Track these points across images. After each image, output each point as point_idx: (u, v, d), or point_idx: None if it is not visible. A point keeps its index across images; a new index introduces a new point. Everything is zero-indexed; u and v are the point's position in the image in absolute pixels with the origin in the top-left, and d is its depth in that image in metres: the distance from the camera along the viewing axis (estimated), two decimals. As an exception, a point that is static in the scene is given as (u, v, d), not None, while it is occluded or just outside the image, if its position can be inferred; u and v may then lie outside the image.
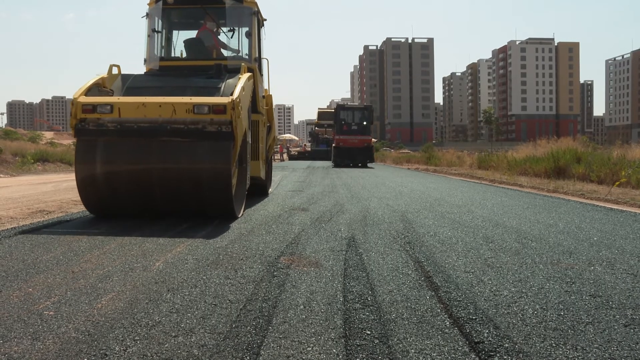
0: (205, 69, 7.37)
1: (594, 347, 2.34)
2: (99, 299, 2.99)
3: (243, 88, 6.31)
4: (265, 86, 9.45)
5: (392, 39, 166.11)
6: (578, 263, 4.03)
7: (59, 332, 2.47)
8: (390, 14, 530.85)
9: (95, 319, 2.64)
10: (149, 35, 7.98)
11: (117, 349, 2.27)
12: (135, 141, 5.81)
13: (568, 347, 2.32)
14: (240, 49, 8.48)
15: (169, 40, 8.49)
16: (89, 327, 2.52)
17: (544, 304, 2.96)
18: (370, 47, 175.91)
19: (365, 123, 29.36)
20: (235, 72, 7.06)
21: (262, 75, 8.90)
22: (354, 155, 28.49)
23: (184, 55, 8.39)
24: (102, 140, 5.83)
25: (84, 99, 5.91)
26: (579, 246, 4.72)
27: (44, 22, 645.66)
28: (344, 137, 28.73)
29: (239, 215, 6.35)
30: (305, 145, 48.29)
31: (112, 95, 6.43)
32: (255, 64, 8.17)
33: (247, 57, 8.22)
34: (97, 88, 6.42)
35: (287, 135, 68.82)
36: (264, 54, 9.13)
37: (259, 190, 9.14)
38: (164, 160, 5.78)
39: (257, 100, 8.19)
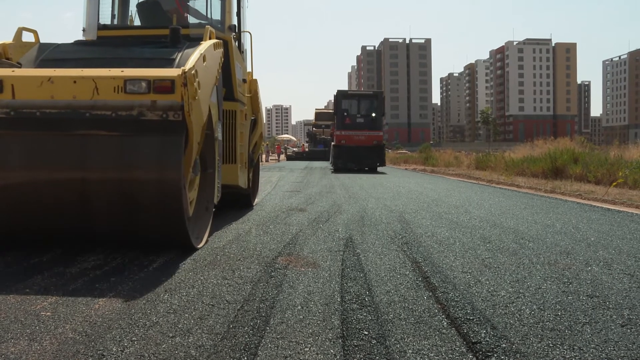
0: (162, 40, 5.37)
1: (591, 347, 2.34)
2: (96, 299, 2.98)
3: (204, 57, 4.44)
4: (249, 68, 7.65)
5: (390, 40, 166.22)
6: (575, 263, 4.04)
7: (56, 332, 2.46)
8: (388, 14, 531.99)
9: (92, 320, 2.63)
10: None
11: (114, 349, 2.26)
12: (37, 136, 3.92)
13: (565, 347, 2.33)
14: (210, 16, 6.71)
15: (119, 4, 6.81)
16: (86, 328, 2.52)
17: (541, 304, 2.97)
18: (367, 48, 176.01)
19: (374, 115, 22.32)
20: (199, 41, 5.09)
21: (242, 52, 7.18)
22: (359, 157, 21.64)
23: (137, 23, 6.76)
24: None
25: None
26: (576, 246, 4.72)
27: (42, 20, 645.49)
28: (346, 133, 21.89)
29: (200, 245, 4.46)
30: (303, 145, 48.30)
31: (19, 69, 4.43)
32: (230, 35, 6.27)
33: (219, 26, 6.31)
34: None
35: (285, 136, 68.87)
36: (246, 27, 7.35)
37: (239, 201, 7.43)
38: (81, 166, 3.85)
39: (234, 83, 6.35)
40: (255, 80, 7.81)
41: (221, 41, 5.42)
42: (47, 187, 3.89)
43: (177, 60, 4.53)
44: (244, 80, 7.10)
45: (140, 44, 5.32)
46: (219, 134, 5.32)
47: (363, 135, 21.91)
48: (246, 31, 7.36)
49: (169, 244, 4.32)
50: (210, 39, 5.10)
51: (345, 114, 22.48)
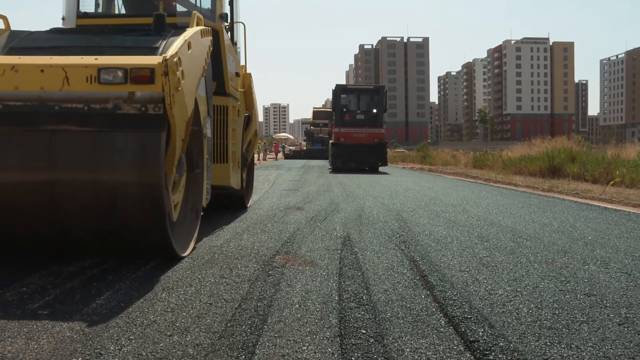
0: (146, 28, 4.87)
1: (588, 345, 2.34)
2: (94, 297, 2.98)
3: (189, 45, 4.01)
4: (242, 61, 7.28)
5: (388, 38, 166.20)
6: (573, 262, 4.05)
7: (54, 331, 2.45)
8: (386, 13, 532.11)
9: (89, 318, 2.63)
10: None
11: (111, 348, 2.26)
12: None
13: (563, 346, 2.33)
14: (200, 4, 6.25)
15: None
16: (84, 326, 2.51)
17: (539, 303, 2.97)
18: (365, 46, 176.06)
19: (375, 111, 20.95)
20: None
21: (235, 44, 6.83)
22: (360, 156, 20.20)
23: (122, 12, 6.42)
24: None
25: None
26: (574, 245, 4.73)
27: (40, 19, 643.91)
28: (346, 131, 20.50)
29: (186, 254, 4.09)
30: (301, 144, 48.30)
31: None
32: (221, 24, 5.98)
33: (210, 14, 5.96)
34: None
35: (283, 134, 68.86)
36: (239, 18, 6.96)
37: (232, 203, 7.11)
38: (50, 166, 3.43)
39: (225, 76, 5.99)
40: (249, 74, 7.43)
41: (210, 29, 4.97)
42: (10, 189, 3.46)
43: (160, 49, 3.98)
44: (237, 74, 6.73)
45: (122, 32, 4.78)
46: (207, 131, 4.89)
47: (363, 132, 20.46)
48: (239, 22, 6.99)
49: (151, 253, 3.90)
50: (197, 25, 4.62)
51: (345, 109, 21.08)
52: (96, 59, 3.53)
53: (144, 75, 3.47)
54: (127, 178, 3.42)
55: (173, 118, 3.55)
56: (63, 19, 5.62)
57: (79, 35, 4.82)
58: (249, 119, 7.54)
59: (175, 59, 3.56)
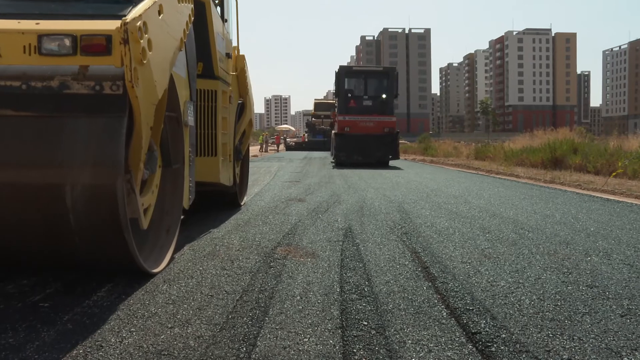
0: None
1: (590, 337, 2.34)
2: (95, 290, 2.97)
3: (159, 8, 3.22)
4: (234, 42, 6.52)
5: (389, 29, 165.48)
6: (575, 254, 4.03)
7: (55, 323, 2.45)
8: (388, 4, 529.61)
9: (91, 311, 2.63)
10: None
11: (112, 340, 2.26)
12: None
13: (565, 338, 2.32)
14: None
15: None
16: (85, 319, 2.51)
17: (541, 295, 2.96)
18: (367, 38, 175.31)
19: (385, 96, 18.00)
20: None
21: (226, 21, 6.07)
22: (367, 148, 17.24)
23: None
24: None
25: None
26: (576, 237, 4.72)
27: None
28: (351, 119, 17.52)
29: (159, 269, 3.35)
30: (303, 135, 48.23)
31: None
32: None
33: None
34: None
35: (284, 126, 68.78)
36: None
37: (224, 200, 6.38)
38: None
39: (214, 57, 5.26)
40: (243, 56, 6.57)
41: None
42: None
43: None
44: (228, 55, 6.00)
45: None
46: (189, 118, 4.13)
47: (371, 121, 17.51)
48: None
49: (113, 269, 3.23)
50: None
51: (350, 95, 18.09)
52: (37, 23, 2.79)
53: (98, 44, 2.74)
54: (76, 178, 2.69)
55: (136, 99, 2.80)
56: None
57: (29, 1, 3.55)
58: (243, 107, 6.78)
59: (138, 24, 2.77)
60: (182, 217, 4.04)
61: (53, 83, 2.77)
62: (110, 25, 2.76)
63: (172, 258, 3.65)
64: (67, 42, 2.73)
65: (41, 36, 2.71)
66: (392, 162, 18.30)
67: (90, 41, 2.74)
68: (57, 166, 2.69)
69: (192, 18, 4.09)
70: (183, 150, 3.98)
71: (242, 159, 6.96)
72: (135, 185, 3.03)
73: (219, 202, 6.33)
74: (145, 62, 2.85)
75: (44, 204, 2.73)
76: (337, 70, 18.33)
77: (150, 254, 3.41)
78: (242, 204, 6.76)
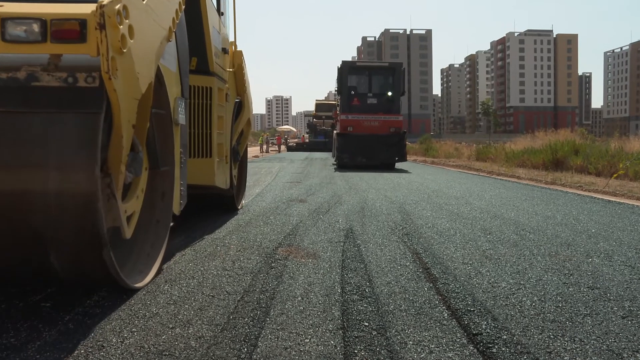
0: None
1: (591, 338, 2.34)
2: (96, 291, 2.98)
3: None
4: (231, 37, 6.22)
5: (391, 30, 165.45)
6: (576, 255, 4.03)
7: (56, 323, 2.45)
8: (389, 4, 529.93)
9: (92, 311, 2.63)
10: None
11: (114, 340, 2.26)
12: None
13: (566, 339, 2.32)
14: None
15: None
16: (86, 319, 2.51)
17: (542, 296, 2.96)
18: (368, 38, 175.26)
19: (391, 94, 16.98)
20: None
21: (222, 14, 5.81)
22: (371, 149, 16.09)
23: None
24: None
25: None
26: (577, 238, 4.72)
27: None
28: (354, 118, 16.38)
29: (144, 283, 3.05)
30: (304, 136, 48.24)
31: None
32: None
33: None
34: None
35: (285, 127, 68.76)
36: None
37: (220, 203, 6.06)
38: None
39: (209, 51, 4.98)
40: (240, 52, 6.26)
41: None
42: None
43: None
44: (225, 51, 5.69)
45: None
46: (180, 116, 3.77)
47: (376, 120, 16.36)
48: None
49: (92, 284, 2.96)
50: None
51: (353, 92, 16.91)
52: (1, 5, 2.44)
53: (71, 30, 2.39)
54: (45, 183, 2.38)
55: (114, 93, 2.47)
56: None
57: None
58: (241, 106, 6.38)
59: (117, 7, 2.44)
60: (171, 224, 3.71)
61: (19, 74, 2.44)
62: (84, 8, 2.42)
63: (159, 270, 3.34)
64: (36, 27, 2.38)
65: (5, 20, 2.36)
66: (397, 165, 17.35)
67: (61, 26, 2.39)
68: (24, 166, 2.39)
69: (183, 7, 3.75)
70: (173, 151, 3.65)
71: (239, 161, 6.65)
72: (116, 190, 2.70)
73: (215, 206, 6.04)
74: (125, 50, 2.51)
75: (9, 213, 2.41)
76: (339, 66, 17.00)
77: (135, 265, 3.14)
78: (239, 208, 6.47)
